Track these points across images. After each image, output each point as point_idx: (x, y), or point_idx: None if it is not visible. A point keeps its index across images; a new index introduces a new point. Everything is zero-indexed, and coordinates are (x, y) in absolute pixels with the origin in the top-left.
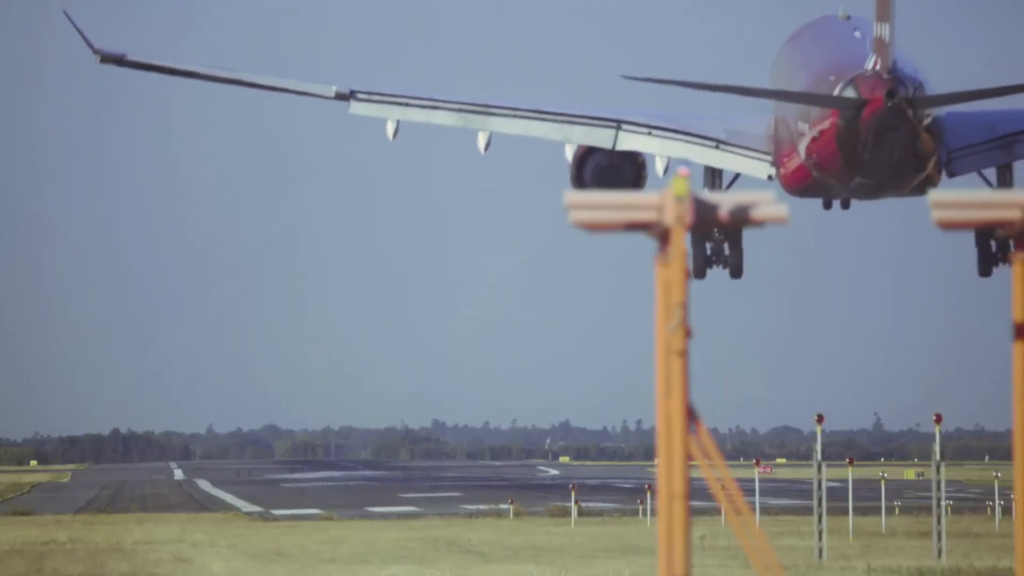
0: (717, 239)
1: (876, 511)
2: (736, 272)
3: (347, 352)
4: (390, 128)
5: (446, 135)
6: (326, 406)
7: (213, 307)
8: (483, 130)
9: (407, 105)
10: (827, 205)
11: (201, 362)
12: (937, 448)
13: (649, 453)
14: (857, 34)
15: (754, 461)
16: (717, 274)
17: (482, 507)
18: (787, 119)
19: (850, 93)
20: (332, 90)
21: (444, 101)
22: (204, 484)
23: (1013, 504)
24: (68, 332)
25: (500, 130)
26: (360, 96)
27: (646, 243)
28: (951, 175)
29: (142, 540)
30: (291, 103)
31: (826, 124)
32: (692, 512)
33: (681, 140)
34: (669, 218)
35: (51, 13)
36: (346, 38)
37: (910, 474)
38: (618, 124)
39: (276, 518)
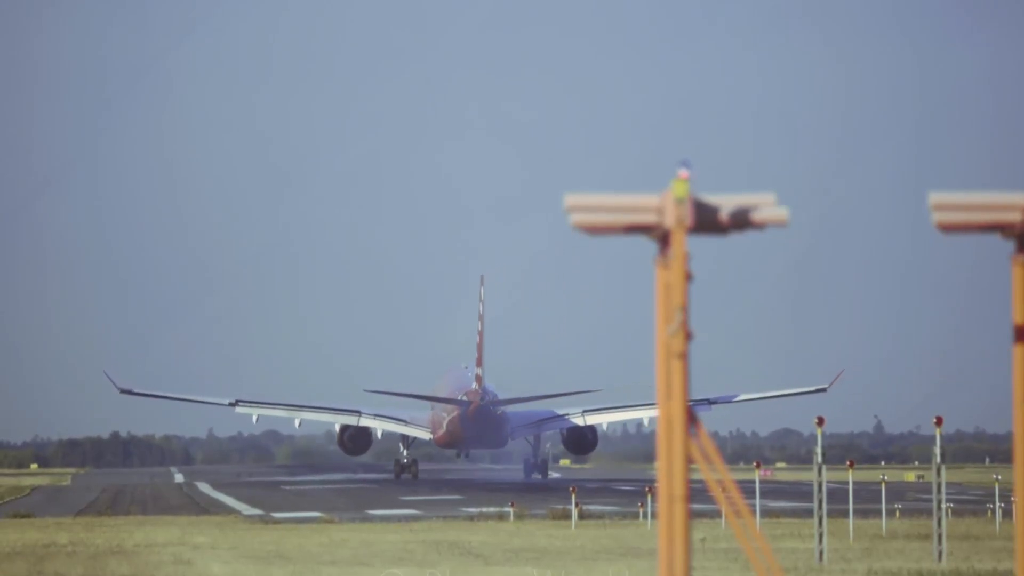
0: (405, 463)
1: (877, 513)
2: (415, 477)
3: (348, 357)
4: (254, 418)
5: (440, 131)
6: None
7: (213, 311)
8: (297, 418)
9: (260, 405)
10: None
11: (201, 366)
12: (937, 450)
13: (650, 455)
14: (469, 373)
15: (754, 464)
16: (719, 275)
17: (485, 510)
18: (439, 411)
19: (464, 399)
20: (227, 400)
21: (280, 404)
22: (204, 487)
23: (1014, 506)
24: (68, 335)
25: (306, 418)
26: (240, 403)
27: (647, 245)
28: (511, 439)
29: (143, 542)
30: (290, 106)
31: (456, 413)
32: (692, 514)
33: (390, 421)
34: (669, 220)
35: (50, 13)
36: (339, 33)
37: (911, 476)
38: (359, 413)
39: (277, 521)
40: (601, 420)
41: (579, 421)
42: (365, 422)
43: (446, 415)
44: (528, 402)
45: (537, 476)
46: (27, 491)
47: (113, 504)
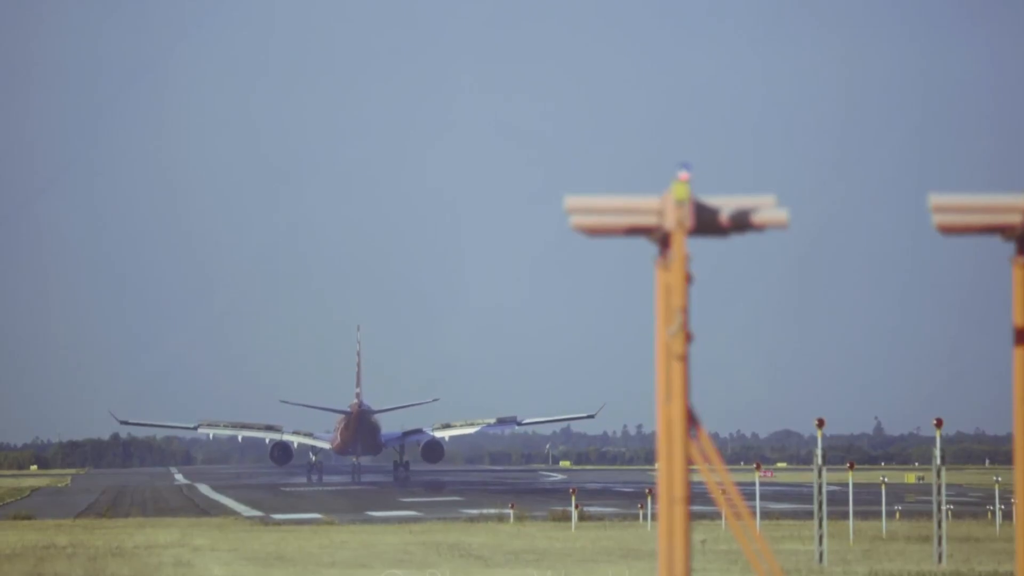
0: (313, 463)
1: (877, 515)
2: (321, 473)
3: (348, 359)
4: (210, 435)
5: (440, 131)
6: (327, 412)
7: (214, 312)
8: (239, 435)
9: (216, 426)
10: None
11: (202, 367)
12: (938, 452)
13: (650, 457)
14: (355, 401)
15: (755, 465)
16: (719, 277)
17: (485, 511)
18: (336, 425)
19: (348, 409)
20: (191, 424)
21: (230, 424)
22: (204, 488)
23: (1014, 508)
24: (68, 336)
25: (246, 435)
26: (202, 423)
27: (647, 247)
28: (385, 448)
29: (143, 544)
30: (289, 105)
31: (345, 422)
32: (693, 516)
33: (302, 436)
34: (670, 222)
35: (50, 13)
36: (334, 34)
37: (911, 478)
38: (281, 431)
39: (277, 522)
40: (446, 434)
41: (436, 435)
42: (286, 437)
43: (339, 426)
44: (392, 411)
45: (402, 471)
46: (27, 492)
47: (113, 506)
